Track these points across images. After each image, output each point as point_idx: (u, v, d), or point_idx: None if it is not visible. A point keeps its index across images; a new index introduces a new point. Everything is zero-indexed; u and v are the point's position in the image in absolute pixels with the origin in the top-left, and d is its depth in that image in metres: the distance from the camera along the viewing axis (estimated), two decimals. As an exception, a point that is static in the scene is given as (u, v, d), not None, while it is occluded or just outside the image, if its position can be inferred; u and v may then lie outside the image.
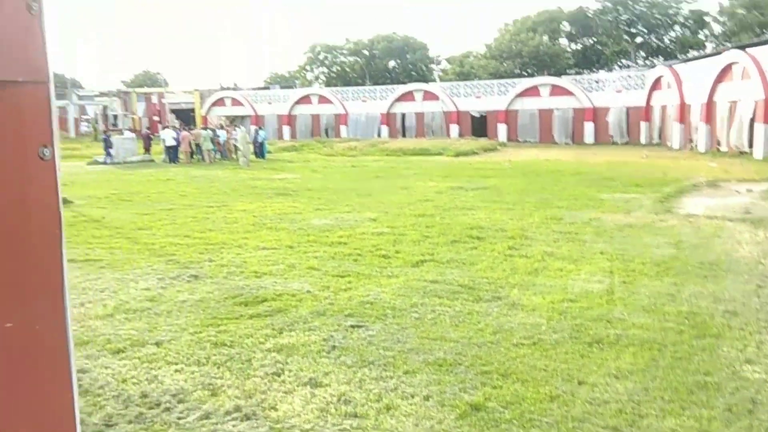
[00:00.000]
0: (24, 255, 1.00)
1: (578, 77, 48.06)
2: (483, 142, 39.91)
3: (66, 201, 15.81)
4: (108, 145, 30.37)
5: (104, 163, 29.58)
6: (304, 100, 53.17)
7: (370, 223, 12.60)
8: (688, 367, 5.52)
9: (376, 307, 7.21)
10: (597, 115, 43.09)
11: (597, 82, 44.69)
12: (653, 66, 47.35)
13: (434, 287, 8.02)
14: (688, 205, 14.76)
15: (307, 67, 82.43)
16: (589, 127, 43.19)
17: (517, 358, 5.78)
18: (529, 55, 64.54)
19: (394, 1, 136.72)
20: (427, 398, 4.98)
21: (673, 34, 66.22)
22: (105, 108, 62.93)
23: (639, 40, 66.83)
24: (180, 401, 4.86)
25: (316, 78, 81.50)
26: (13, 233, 0.98)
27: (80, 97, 64.83)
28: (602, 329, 6.45)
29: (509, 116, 45.66)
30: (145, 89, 65.73)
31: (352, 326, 6.57)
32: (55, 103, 1.04)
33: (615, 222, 12.53)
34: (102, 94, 65.88)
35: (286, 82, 78.50)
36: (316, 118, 52.42)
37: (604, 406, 4.83)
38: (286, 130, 52.90)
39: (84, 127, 58.91)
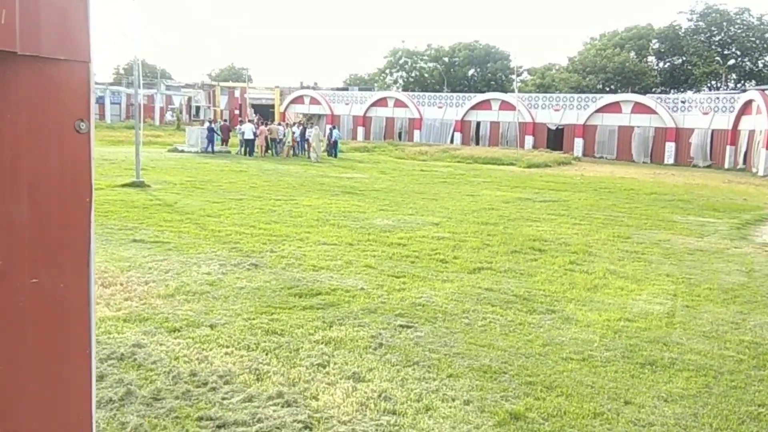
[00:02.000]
0: (55, 219, 1.10)
1: (663, 96, 46.58)
2: (557, 155, 39.24)
3: (143, 185, 16.54)
4: (210, 136, 31.59)
5: (205, 151, 30.90)
6: (381, 102, 53.57)
7: (432, 227, 12.63)
8: (743, 396, 5.32)
9: (427, 309, 7.26)
10: (679, 135, 41.62)
11: (683, 102, 43.16)
12: (744, 89, 45.35)
13: (488, 295, 7.99)
14: (766, 234, 14.11)
15: (387, 71, 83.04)
16: (670, 147, 41.77)
17: (564, 372, 5.71)
18: (613, 71, 62.92)
19: (480, 10, 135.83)
20: (467, 403, 4.99)
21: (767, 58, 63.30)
22: (190, 99, 65.20)
23: (731, 62, 64.17)
24: (226, 383, 5.04)
25: (395, 82, 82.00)
26: (46, 198, 1.08)
27: (167, 87, 67.38)
28: (657, 351, 6.29)
29: (587, 131, 44.70)
30: (230, 83, 67.79)
31: (401, 326, 6.63)
32: (94, 81, 1.15)
33: (686, 245, 12.13)
34: (188, 86, 68.28)
35: (365, 84, 79.35)
36: (390, 120, 52.74)
37: (648, 428, 4.73)
38: (360, 131, 53.43)
39: (169, 116, 61.20)
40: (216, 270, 8.39)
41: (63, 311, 1.15)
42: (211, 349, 5.69)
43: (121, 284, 7.50)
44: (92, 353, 1.20)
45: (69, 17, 1.09)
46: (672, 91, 61.80)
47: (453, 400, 5.02)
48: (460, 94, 53.68)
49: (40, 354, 1.11)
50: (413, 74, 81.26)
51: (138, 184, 16.62)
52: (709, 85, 64.54)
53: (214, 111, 56.47)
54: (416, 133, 51.09)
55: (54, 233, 1.13)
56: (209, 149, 31.24)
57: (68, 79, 1.12)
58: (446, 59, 78.96)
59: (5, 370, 1.06)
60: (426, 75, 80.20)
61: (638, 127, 42.93)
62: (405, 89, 73.93)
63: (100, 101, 59.43)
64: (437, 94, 55.43)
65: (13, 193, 1.07)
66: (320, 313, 6.89)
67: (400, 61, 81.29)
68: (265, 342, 5.93)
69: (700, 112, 41.22)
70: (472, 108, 49.36)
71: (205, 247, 9.73)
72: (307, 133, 33.07)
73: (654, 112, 42.42)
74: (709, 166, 39.35)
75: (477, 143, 48.26)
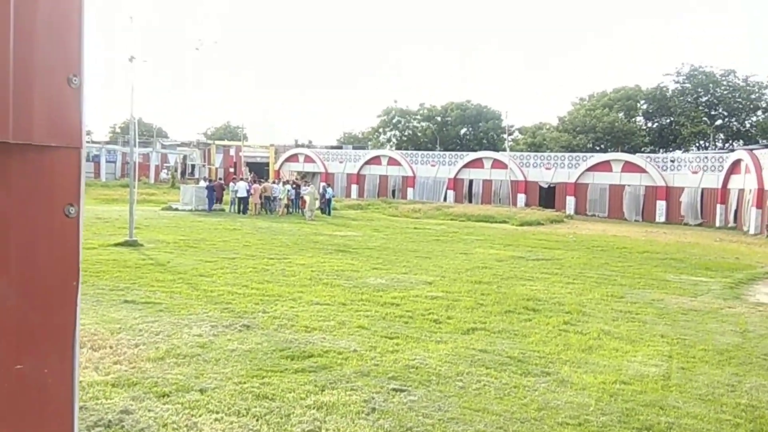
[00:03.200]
0: (41, 304, 1.10)
1: (653, 155, 47.30)
2: (550, 213, 39.51)
3: (136, 244, 16.49)
4: (210, 195, 32.00)
5: (206, 209, 31.23)
6: (374, 160, 54.13)
7: (425, 286, 12.58)
8: (742, 465, 5.21)
9: (421, 371, 7.16)
10: (670, 194, 42.08)
11: (672, 161, 43.81)
12: (732, 149, 46.17)
13: (483, 357, 7.90)
14: (759, 293, 14.11)
15: (380, 130, 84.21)
16: (660, 206, 42.17)
17: (559, 438, 5.60)
18: (603, 131, 63.98)
19: (472, 70, 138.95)
20: (461, 471, 4.87)
21: (754, 118, 64.52)
22: (185, 157, 65.78)
23: (719, 122, 65.41)
24: (215, 450, 4.92)
25: (388, 140, 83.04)
26: (33, 283, 1.08)
27: (163, 146, 68.04)
28: (654, 416, 6.19)
29: (578, 189, 45.16)
30: (225, 142, 68.55)
31: (395, 389, 6.53)
32: (84, 166, 1.17)
33: (679, 305, 12.09)
34: (183, 144, 68.99)
35: (358, 142, 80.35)
36: (384, 178, 53.19)
37: (646, 499, 4.61)
38: (354, 188, 53.79)
39: (164, 175, 61.59)
40: (207, 332, 8.29)
41: (46, 398, 1.14)
42: (200, 415, 5.57)
43: (111, 347, 7.39)
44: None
45: (62, 106, 1.11)
46: (661, 150, 62.70)
47: (447, 468, 4.90)
48: (453, 153, 54.37)
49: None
50: (406, 133, 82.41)
51: (131, 243, 16.57)
52: (697, 144, 65.59)
53: (209, 169, 56.91)
54: (409, 190, 51.47)
55: (40, 319, 1.12)
56: (209, 208, 31.42)
57: (60, 165, 1.14)
58: (439, 118, 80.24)
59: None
60: (419, 134, 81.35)
61: (629, 185, 43.42)
62: (398, 148, 74.83)
63: (96, 160, 59.86)
64: (430, 152, 56.11)
65: (2, 278, 1.07)
66: (312, 376, 6.79)
67: (394, 120, 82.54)
68: (255, 407, 5.82)
69: (690, 171, 41.79)
70: (465, 166, 49.90)
71: (197, 308, 9.64)
72: (301, 191, 33.30)
73: (644, 170, 42.97)
74: (700, 224, 39.64)
75: (470, 201, 48.59)
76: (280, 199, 32.79)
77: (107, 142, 69.58)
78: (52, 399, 1.13)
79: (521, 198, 46.56)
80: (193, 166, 65.11)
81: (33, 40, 1.06)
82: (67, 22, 1.10)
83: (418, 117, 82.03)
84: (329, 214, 33.63)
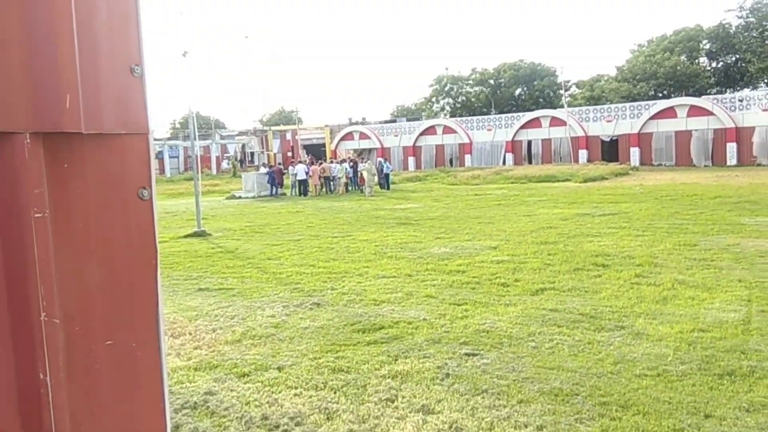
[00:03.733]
0: (124, 282, 1.18)
1: (719, 96, 45.31)
2: (613, 166, 38.49)
3: (205, 234, 16.99)
4: (272, 180, 32.72)
5: (270, 195, 31.97)
6: (429, 131, 53.86)
7: (490, 251, 12.54)
8: (833, 405, 5.05)
9: (492, 335, 7.18)
10: (740, 135, 40.35)
11: (741, 101, 41.90)
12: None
13: (554, 316, 7.86)
14: (843, 230, 13.46)
15: (433, 99, 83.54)
16: (731, 149, 40.52)
17: (639, 389, 5.55)
18: (665, 76, 61.60)
19: (521, 28, 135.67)
20: (540, 428, 4.90)
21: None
22: (244, 146, 67.00)
23: (789, 55, 62.02)
24: (297, 424, 5.10)
25: (442, 109, 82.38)
26: (115, 263, 1.16)
27: (222, 137, 69.46)
28: (735, 361, 6.05)
29: (642, 139, 43.81)
30: (281, 127, 69.42)
31: (467, 354, 6.58)
32: (153, 151, 1.24)
33: (756, 248, 11.67)
34: (241, 133, 70.23)
35: (412, 114, 79.98)
36: (440, 148, 52.91)
37: (732, 444, 4.54)
38: (411, 161, 53.75)
39: (225, 165, 62.98)
40: (280, 312, 8.53)
41: (137, 370, 1.21)
42: (280, 392, 5.77)
43: (190, 333, 7.70)
44: (166, 407, 1.27)
45: (127, 95, 1.18)
46: (728, 90, 59.94)
47: (525, 426, 4.94)
48: (509, 115, 53.49)
49: (117, 413, 1.18)
50: (460, 99, 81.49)
51: (200, 234, 17.09)
52: (766, 81, 62.41)
53: (268, 155, 57.81)
54: (467, 157, 51.06)
55: (125, 296, 1.20)
56: (273, 193, 32.05)
57: (130, 151, 1.20)
58: (492, 81, 78.97)
59: (86, 430, 1.13)
60: (473, 99, 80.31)
61: (696, 130, 41.85)
62: (452, 115, 74.16)
63: (159, 156, 61.72)
64: (485, 117, 55.37)
65: (86, 261, 1.15)
66: (384, 347, 6.91)
67: (446, 88, 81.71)
68: (332, 380, 5.98)
69: (760, 110, 39.91)
70: (522, 127, 49.09)
71: (268, 290, 9.91)
72: (359, 168, 33.53)
73: (711, 113, 41.30)
74: (774, 164, 37.94)
75: (530, 162, 47.87)
76: (338, 178, 33.11)
77: (169, 138, 71.58)
78: (142, 370, 1.21)
79: (583, 154, 45.54)
80: (252, 154, 66.30)
81: (95, 35, 1.12)
82: (125, 15, 1.17)
83: (471, 82, 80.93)
84: (388, 188, 33.75)
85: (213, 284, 10.54)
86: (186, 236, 16.92)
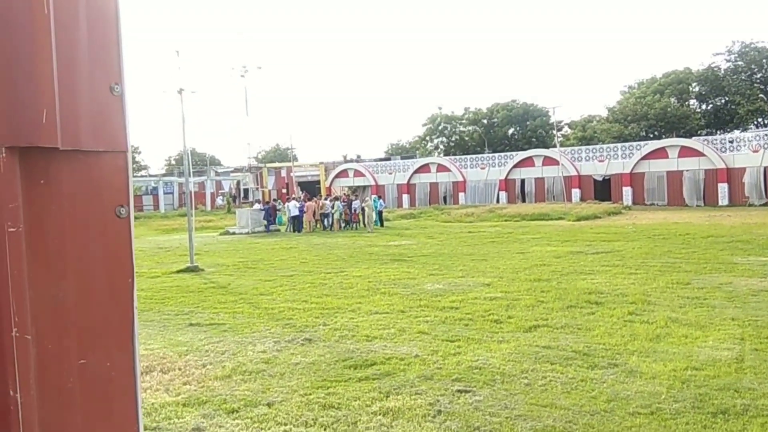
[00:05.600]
0: (99, 301, 1.16)
1: (710, 138, 45.83)
2: (606, 205, 38.71)
3: (198, 269, 16.90)
4: (268, 217, 33.01)
5: (267, 231, 32.20)
6: (423, 169, 54.18)
7: (483, 288, 12.49)
8: (829, 444, 4.99)
9: (484, 372, 7.11)
10: (731, 176, 40.70)
11: (731, 142, 42.37)
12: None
13: (546, 353, 7.79)
14: (835, 269, 13.49)
15: (427, 137, 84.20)
16: (722, 189, 40.83)
17: (632, 427, 5.48)
18: (655, 117, 62.32)
19: (514, 69, 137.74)
20: (532, 467, 4.82)
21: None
22: (239, 182, 67.16)
23: (777, 98, 62.98)
24: (286, 460, 5.00)
25: (436, 147, 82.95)
26: (90, 281, 1.15)
27: (217, 173, 69.66)
28: (729, 399, 5.99)
29: (635, 179, 44.12)
30: (275, 164, 69.71)
31: (460, 391, 6.51)
32: (131, 169, 1.23)
33: (749, 287, 11.67)
34: (236, 170, 70.46)
35: (406, 152, 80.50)
36: (434, 186, 53.15)
37: (728, 484, 4.47)
38: (405, 198, 53.93)
39: (219, 201, 63.01)
40: (271, 347, 8.43)
41: (110, 390, 1.19)
42: (269, 428, 5.67)
43: (179, 369, 7.60)
44: (140, 430, 1.24)
45: (106, 113, 1.17)
46: (718, 132, 60.63)
47: (518, 464, 4.85)
48: (502, 154, 53.94)
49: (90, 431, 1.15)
50: (453, 138, 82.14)
51: (192, 269, 17.00)
52: (755, 122, 63.25)
53: (262, 192, 57.90)
54: (461, 195, 51.26)
55: (99, 315, 1.18)
56: (267, 229, 32.18)
57: (108, 168, 1.20)
58: (485, 121, 79.73)
59: (58, 449, 1.10)
60: (466, 138, 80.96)
61: (687, 170, 42.20)
62: (446, 154, 74.66)
63: (154, 192, 61.73)
64: (479, 155, 55.79)
65: (61, 278, 1.13)
66: (376, 383, 6.82)
67: (440, 127, 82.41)
68: (322, 417, 5.89)
69: (750, 150, 40.35)
70: (515, 166, 49.43)
71: (260, 326, 9.82)
72: (354, 205, 33.66)
73: (702, 154, 41.72)
74: (765, 204, 38.18)
75: (523, 200, 48.07)
76: (332, 214, 33.15)
77: (164, 174, 71.69)
78: (116, 390, 1.19)
79: (576, 193, 45.80)
80: (246, 191, 66.41)
81: (74, 51, 1.12)
82: (106, 33, 1.17)
83: (464, 121, 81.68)
84: (381, 225, 33.80)
85: (204, 319, 10.44)
86: (178, 271, 16.82)
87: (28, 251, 1.10)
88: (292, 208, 32.64)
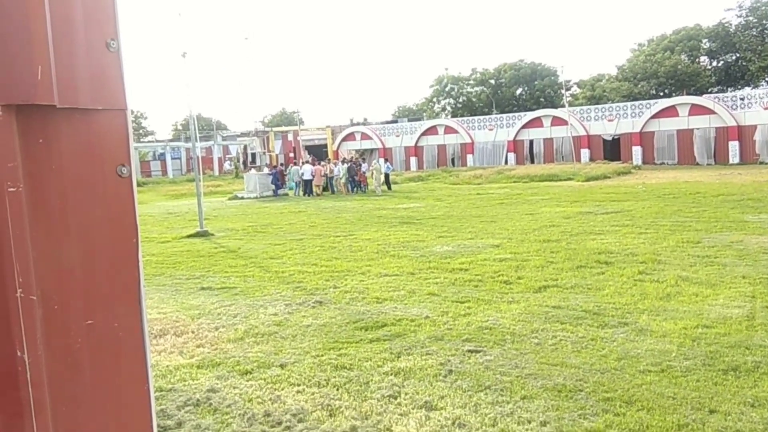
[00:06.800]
0: (104, 261, 1.14)
1: (720, 95, 45.13)
2: (616, 165, 38.41)
3: (207, 234, 16.98)
4: (276, 181, 33.15)
5: (273, 195, 32.35)
6: (431, 131, 53.81)
7: (493, 250, 12.49)
8: (840, 399, 5.00)
9: (494, 332, 7.14)
10: (742, 133, 40.19)
11: (742, 99, 41.73)
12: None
13: (556, 313, 7.81)
14: None
15: (434, 99, 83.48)
16: (733, 147, 40.35)
17: (642, 385, 5.50)
18: (665, 75, 61.39)
19: (521, 28, 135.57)
20: (544, 424, 4.86)
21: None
22: (246, 147, 67.00)
23: (789, 53, 61.77)
24: (300, 420, 5.07)
25: (443, 109, 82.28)
26: (94, 240, 1.13)
27: (224, 138, 69.47)
28: (739, 356, 6.00)
29: (644, 138, 43.67)
30: (282, 128, 69.42)
31: (470, 351, 6.54)
32: (131, 127, 1.20)
33: (760, 245, 11.61)
34: (243, 135, 70.22)
35: (413, 114, 79.92)
36: (442, 148, 52.84)
37: (738, 439, 4.49)
38: (413, 161, 53.70)
39: (227, 166, 62.99)
40: (282, 310, 8.50)
41: (118, 350, 1.18)
42: (283, 389, 5.73)
43: (193, 332, 7.67)
44: (150, 389, 1.23)
45: (103, 70, 1.14)
46: (729, 89, 59.75)
47: (529, 422, 4.90)
48: (510, 115, 53.41)
49: (98, 393, 1.14)
50: (461, 100, 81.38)
51: (202, 234, 17.07)
52: (766, 79, 62.20)
53: (270, 156, 57.81)
54: (469, 157, 50.99)
55: (105, 275, 1.16)
56: (275, 193, 32.29)
57: (107, 127, 1.17)
58: (492, 81, 78.87)
59: (66, 410, 1.09)
60: (473, 99, 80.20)
61: (698, 129, 41.70)
62: (454, 115, 74.08)
63: (162, 158, 61.75)
64: (487, 116, 55.26)
65: (64, 238, 1.11)
66: (387, 344, 6.87)
67: (447, 89, 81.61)
68: (335, 377, 5.95)
69: (762, 108, 39.76)
70: (524, 127, 49.00)
71: (270, 289, 9.88)
72: (369, 166, 33.64)
73: (713, 112, 41.16)
74: (777, 161, 37.81)
75: (532, 161, 47.79)
76: (338, 177, 33.08)
77: (170, 140, 71.62)
78: (124, 351, 1.17)
79: (585, 153, 45.44)
80: (254, 155, 66.25)
81: (69, 7, 1.08)
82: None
83: (471, 82, 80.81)
84: (389, 188, 33.72)
85: (215, 283, 10.51)
86: (188, 236, 16.90)
87: (29, 211, 1.08)
88: (307, 171, 32.51)
